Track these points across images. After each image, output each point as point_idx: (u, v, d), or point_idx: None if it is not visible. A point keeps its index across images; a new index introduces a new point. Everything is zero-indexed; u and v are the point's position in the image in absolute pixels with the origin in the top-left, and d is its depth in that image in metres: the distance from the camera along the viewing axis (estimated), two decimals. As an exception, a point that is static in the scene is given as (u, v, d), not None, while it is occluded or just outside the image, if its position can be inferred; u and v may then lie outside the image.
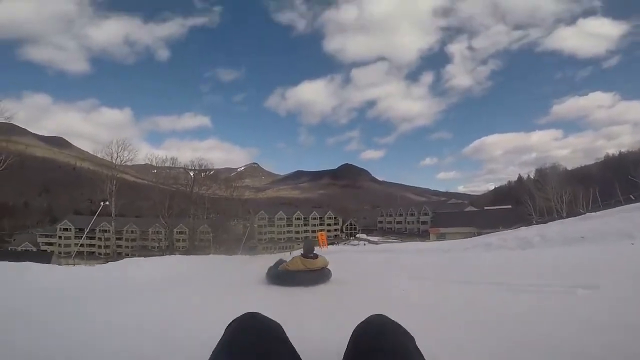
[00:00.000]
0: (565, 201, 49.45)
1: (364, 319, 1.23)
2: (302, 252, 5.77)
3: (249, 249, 32.43)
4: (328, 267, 5.57)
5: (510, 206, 63.22)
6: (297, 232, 78.34)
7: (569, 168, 65.96)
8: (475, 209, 73.20)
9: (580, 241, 5.27)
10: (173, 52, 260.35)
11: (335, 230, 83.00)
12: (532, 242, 6.12)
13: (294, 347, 1.16)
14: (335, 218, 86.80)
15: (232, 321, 1.20)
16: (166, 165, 47.49)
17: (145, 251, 44.44)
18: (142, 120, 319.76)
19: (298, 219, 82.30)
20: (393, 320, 1.20)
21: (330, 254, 18.65)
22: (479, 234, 37.17)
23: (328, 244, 29.76)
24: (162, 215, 41.18)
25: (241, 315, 1.22)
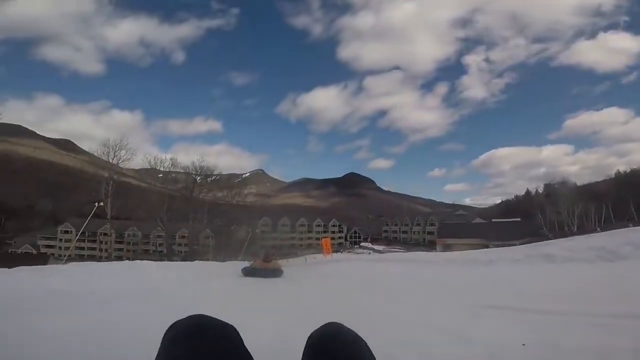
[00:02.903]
0: (576, 216, 48.62)
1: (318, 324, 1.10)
2: (263, 257, 11.65)
3: (251, 254, 31.11)
4: (282, 268, 11.58)
5: (519, 219, 61.26)
6: (301, 239, 76.86)
7: (579, 184, 64.35)
8: (483, 221, 71.47)
9: None
10: (188, 54, 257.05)
11: (340, 238, 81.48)
12: (619, 253, 4.83)
13: (247, 351, 1.00)
14: (339, 226, 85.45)
15: (172, 326, 0.96)
16: (165, 167, 45.71)
17: (146, 255, 43.26)
18: (153, 123, 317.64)
19: (302, 225, 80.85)
20: (350, 329, 1.10)
21: (338, 263, 17.50)
22: (487, 246, 36.30)
23: (333, 252, 28.39)
24: (160, 219, 39.88)
25: (183, 320, 0.98)
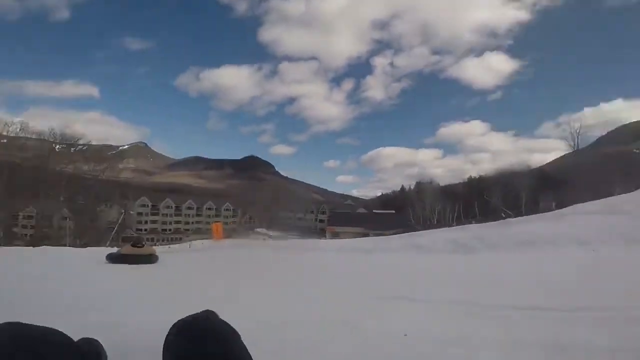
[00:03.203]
0: (436, 212, 59.22)
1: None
2: (132, 242, 9.35)
3: (122, 240, 26.94)
4: (156, 254, 9.08)
5: (394, 211, 70.13)
6: (187, 223, 71.45)
7: (442, 184, 77.76)
8: (365, 212, 78.96)
9: (530, 245, 5.00)
10: (75, 12, 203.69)
11: (233, 222, 78.94)
12: (470, 246, 5.67)
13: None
14: (233, 210, 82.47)
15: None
16: (11, 131, 35.86)
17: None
18: (2, 83, 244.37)
19: (190, 208, 74.95)
20: (222, 320, 1.02)
21: (230, 250, 16.52)
22: (367, 234, 40.52)
23: (224, 237, 27.46)
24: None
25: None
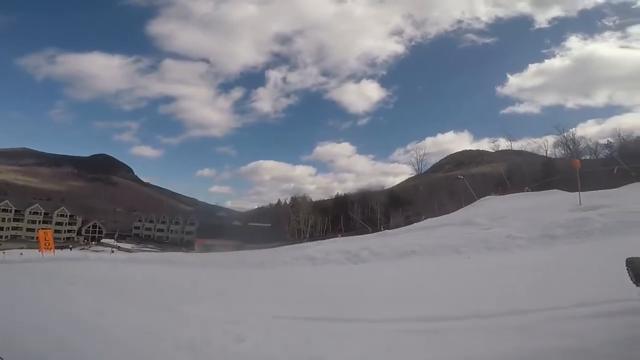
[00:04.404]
0: (309, 226, 63.09)
1: None
2: None
3: None
4: None
5: (270, 225, 71.17)
6: (0, 229, 54.92)
7: (314, 200, 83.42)
8: (240, 224, 77.61)
9: (413, 254, 5.71)
10: None
11: (70, 231, 64.92)
12: (361, 256, 6.11)
13: None
14: (71, 217, 67.52)
15: None
16: None
17: None
18: None
19: (5, 210, 57.36)
20: None
21: (61, 263, 13.06)
22: (241, 247, 39.65)
23: (55, 248, 22.86)
24: None
25: None
